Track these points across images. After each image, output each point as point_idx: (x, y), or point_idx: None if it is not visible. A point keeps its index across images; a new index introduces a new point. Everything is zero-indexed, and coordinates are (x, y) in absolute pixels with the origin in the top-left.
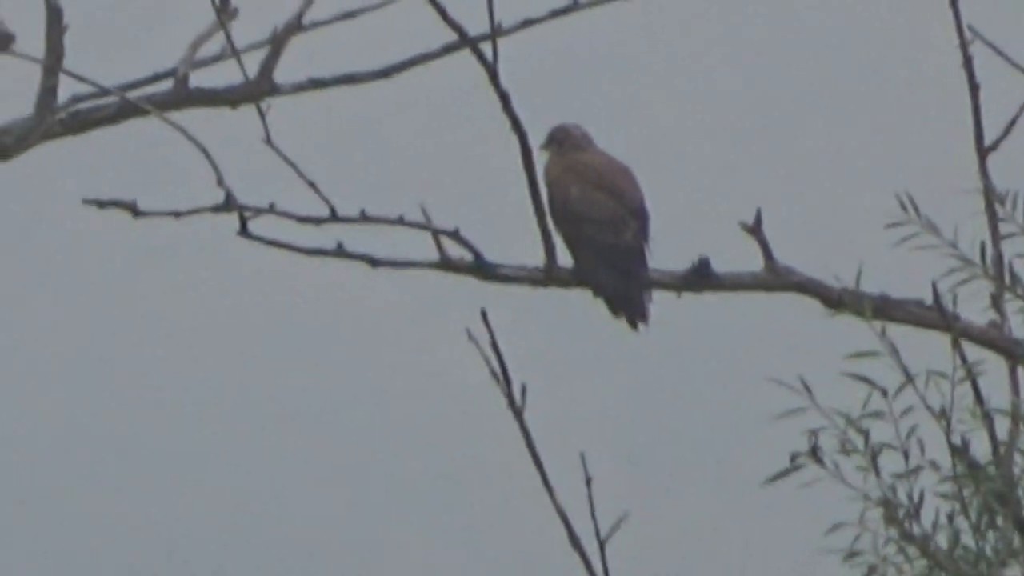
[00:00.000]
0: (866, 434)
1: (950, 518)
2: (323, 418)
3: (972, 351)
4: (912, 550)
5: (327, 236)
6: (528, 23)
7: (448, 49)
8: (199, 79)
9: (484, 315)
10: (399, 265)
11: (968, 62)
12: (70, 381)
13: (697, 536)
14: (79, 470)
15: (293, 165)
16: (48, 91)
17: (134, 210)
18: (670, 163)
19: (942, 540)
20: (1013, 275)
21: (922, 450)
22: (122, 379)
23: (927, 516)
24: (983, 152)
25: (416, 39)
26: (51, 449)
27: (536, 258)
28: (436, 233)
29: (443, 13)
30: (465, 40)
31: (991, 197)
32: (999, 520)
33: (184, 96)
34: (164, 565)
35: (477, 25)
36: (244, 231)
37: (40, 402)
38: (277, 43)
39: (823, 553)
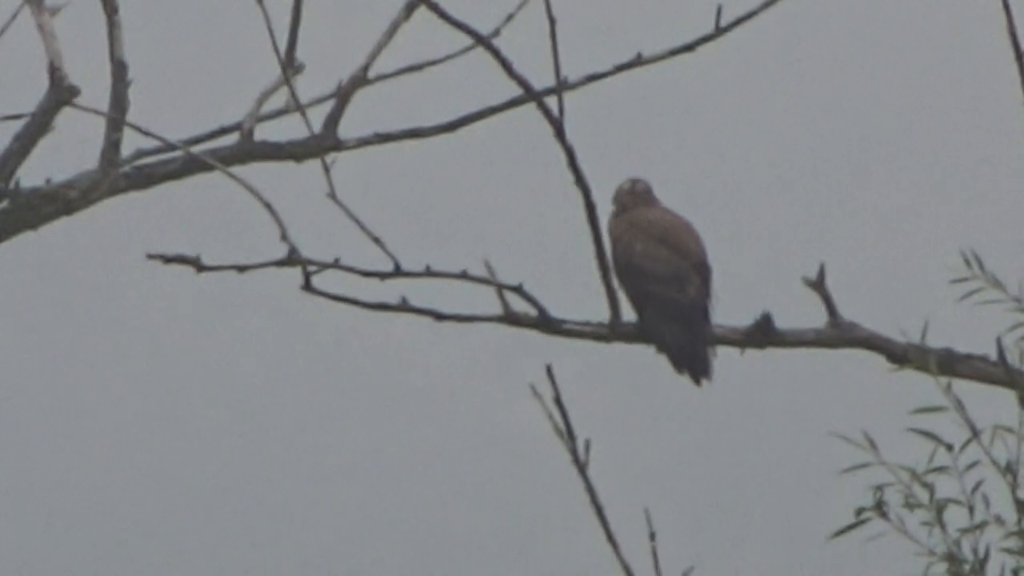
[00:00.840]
0: (931, 489)
1: (1016, 573)
2: (386, 472)
3: None
4: None
5: (391, 291)
6: (593, 77)
7: (513, 103)
8: (264, 133)
9: (548, 370)
10: (464, 319)
11: None
12: (134, 431)
13: None
14: (137, 515)
15: (357, 220)
16: (113, 145)
17: (198, 264)
18: (733, 218)
19: None
20: None
21: (987, 505)
22: (184, 431)
23: (993, 571)
24: None
25: (481, 93)
26: (105, 498)
27: (600, 313)
28: (500, 288)
29: (508, 68)
30: (531, 94)
31: None
32: None
33: (249, 150)
34: None
35: (543, 79)
36: (308, 286)
37: (105, 449)
38: (342, 97)
39: None
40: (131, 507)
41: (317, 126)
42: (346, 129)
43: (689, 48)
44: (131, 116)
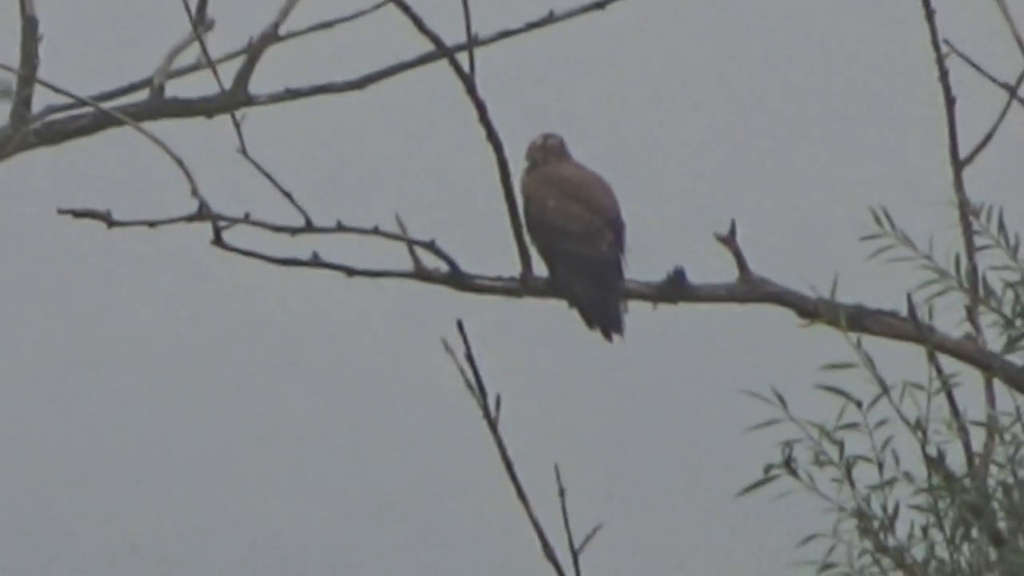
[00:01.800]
0: (841, 445)
1: (925, 530)
2: (296, 428)
3: (947, 363)
4: (887, 562)
5: (302, 246)
6: (504, 34)
7: (424, 59)
8: (175, 89)
9: (460, 325)
10: (375, 275)
11: (944, 75)
12: (43, 390)
13: (671, 547)
14: (53, 481)
15: (268, 175)
16: (23, 101)
17: (109, 220)
18: (646, 174)
19: (917, 552)
20: (988, 287)
21: (897, 462)
22: (94, 389)
23: (902, 528)
24: (958, 165)
25: (392, 49)
26: (21, 463)
27: (512, 269)
28: (412, 244)
29: (419, 24)
30: (442, 50)
31: (966, 210)
32: (974, 532)
33: (159, 106)
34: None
35: (454, 35)
36: (218, 241)
37: (15, 411)
38: (253, 53)
39: (797, 564)
40: (36, 463)
41: (228, 82)
42: (257, 85)
43: (599, 5)
44: (41, 72)
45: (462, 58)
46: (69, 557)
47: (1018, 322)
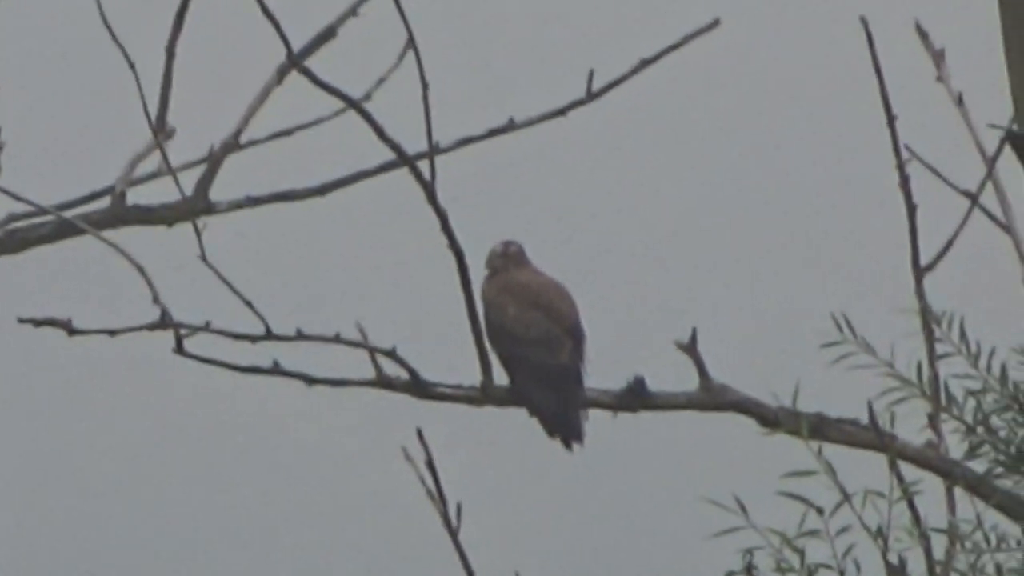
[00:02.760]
0: (802, 553)
1: None
2: (256, 537)
3: (909, 471)
4: None
5: (263, 354)
6: (465, 141)
7: (385, 167)
8: (136, 197)
9: (420, 434)
10: (335, 383)
11: (905, 182)
12: (2, 497)
13: None
14: None
15: (228, 283)
16: None
17: (69, 328)
18: (606, 281)
19: None
20: (949, 395)
21: (858, 569)
22: (54, 499)
23: None
24: (920, 272)
25: (353, 157)
26: None
27: (472, 377)
28: (372, 351)
29: (380, 132)
30: (403, 158)
31: (928, 317)
32: None
33: (121, 214)
34: None
35: (415, 143)
36: (180, 349)
37: None
38: (214, 161)
39: None
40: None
41: (189, 190)
42: (218, 192)
43: (561, 113)
44: (2, 181)
45: (423, 166)
46: None
47: (979, 429)
